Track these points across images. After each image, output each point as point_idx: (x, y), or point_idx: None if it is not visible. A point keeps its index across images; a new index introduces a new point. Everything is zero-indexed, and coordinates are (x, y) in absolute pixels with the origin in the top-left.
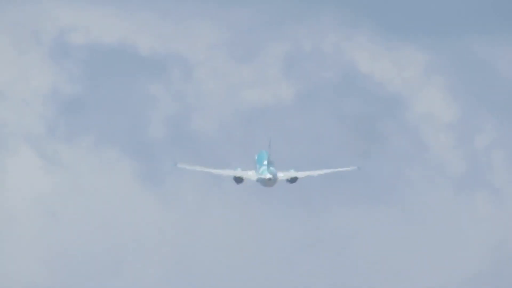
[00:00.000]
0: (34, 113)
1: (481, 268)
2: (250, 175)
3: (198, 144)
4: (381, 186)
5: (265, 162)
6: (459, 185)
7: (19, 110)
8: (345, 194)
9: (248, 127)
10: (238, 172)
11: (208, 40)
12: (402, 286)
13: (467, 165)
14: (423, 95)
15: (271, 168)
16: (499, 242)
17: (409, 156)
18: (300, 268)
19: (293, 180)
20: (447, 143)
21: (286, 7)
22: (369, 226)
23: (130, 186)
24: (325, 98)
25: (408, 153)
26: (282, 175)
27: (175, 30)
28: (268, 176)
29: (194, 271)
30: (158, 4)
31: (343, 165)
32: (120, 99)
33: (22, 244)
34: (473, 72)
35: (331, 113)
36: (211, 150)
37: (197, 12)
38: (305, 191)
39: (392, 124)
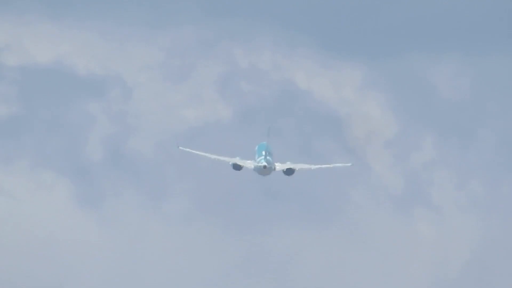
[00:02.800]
0: None
1: (423, 285)
2: (248, 163)
3: (136, 164)
4: (322, 206)
5: (264, 152)
6: (398, 203)
7: None
8: (286, 215)
9: (187, 146)
10: (237, 160)
11: (145, 61)
12: None
13: (406, 182)
14: (362, 112)
15: (268, 157)
16: (438, 260)
17: (349, 174)
18: None
19: (289, 172)
20: (386, 160)
21: (223, 26)
22: (311, 246)
23: (67, 208)
24: (262, 116)
25: (348, 171)
26: (279, 166)
27: (112, 51)
28: (263, 164)
29: None
30: (94, 25)
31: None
32: (57, 121)
33: None
34: (410, 90)
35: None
36: (150, 170)
37: (134, 33)
38: (244, 213)
39: (331, 142)
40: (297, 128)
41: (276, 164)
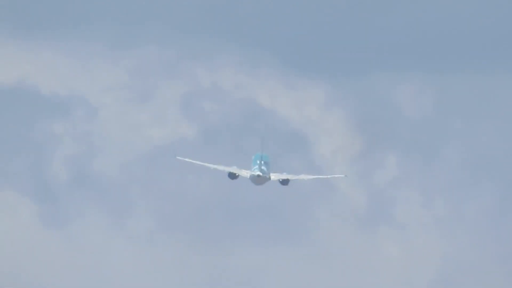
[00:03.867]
0: None
1: None
2: (244, 173)
3: (100, 184)
4: (288, 224)
5: (259, 162)
6: (362, 221)
7: None
8: (251, 233)
9: (151, 167)
10: (233, 169)
11: (108, 81)
12: None
13: (370, 200)
14: (324, 131)
15: (263, 167)
16: (402, 278)
17: (313, 193)
18: None
19: (284, 182)
20: (349, 178)
21: (186, 46)
22: (275, 265)
23: (31, 229)
24: (226, 135)
25: (312, 189)
26: (275, 176)
27: (76, 71)
28: (257, 173)
29: None
30: (58, 45)
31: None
32: (20, 141)
33: None
34: (373, 108)
35: (235, 149)
36: (114, 190)
37: (98, 53)
38: (212, 230)
39: (295, 161)
40: (260, 146)
41: (272, 174)
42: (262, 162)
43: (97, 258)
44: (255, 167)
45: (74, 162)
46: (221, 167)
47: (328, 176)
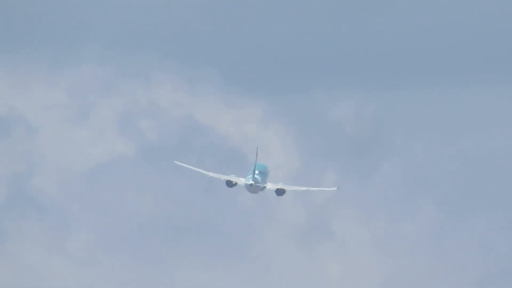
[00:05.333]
0: None
1: None
2: (241, 181)
3: (39, 203)
4: (227, 242)
5: (257, 171)
6: (301, 237)
7: None
8: (192, 250)
9: (90, 185)
10: (231, 177)
11: (46, 100)
12: None
13: (309, 217)
14: (264, 148)
15: (256, 176)
16: None
17: (255, 208)
18: None
19: (279, 192)
20: (288, 195)
21: (123, 64)
22: (217, 282)
23: None
24: (166, 152)
25: (251, 205)
26: (270, 186)
27: (13, 90)
28: (250, 181)
29: None
30: None
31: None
32: None
33: None
34: (312, 125)
35: (174, 166)
36: (53, 208)
37: (35, 72)
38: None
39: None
40: (199, 164)
41: (268, 183)
42: (257, 171)
43: (36, 277)
44: (249, 176)
45: (12, 181)
46: (219, 175)
47: (321, 189)
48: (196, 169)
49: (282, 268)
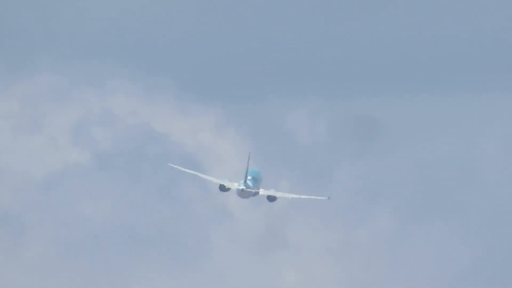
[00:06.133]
0: None
1: None
2: (234, 186)
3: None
4: (185, 250)
5: (249, 177)
6: (256, 246)
7: None
8: (148, 259)
9: (45, 193)
10: (225, 182)
11: (0, 109)
12: None
13: (264, 225)
14: (218, 156)
15: (248, 182)
16: None
17: (210, 217)
18: None
19: (270, 198)
20: (243, 203)
21: (77, 72)
22: None
23: None
24: (120, 160)
25: (207, 214)
26: (263, 192)
27: None
28: (241, 187)
29: None
30: None
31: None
32: None
33: None
34: (267, 133)
35: (129, 174)
36: (9, 217)
37: None
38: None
39: (190, 186)
40: (155, 171)
41: (261, 189)
42: (250, 177)
43: None
44: (241, 181)
45: None
46: (213, 179)
47: (311, 197)
48: (191, 172)
49: (238, 276)
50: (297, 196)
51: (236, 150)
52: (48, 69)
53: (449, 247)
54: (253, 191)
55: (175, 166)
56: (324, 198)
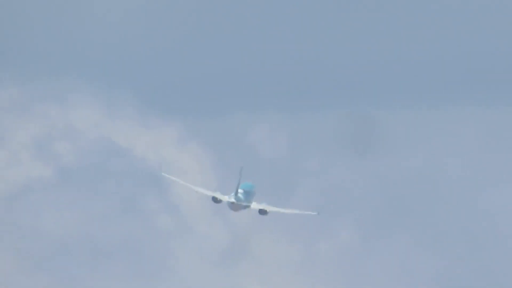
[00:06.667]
0: None
1: None
2: (225, 198)
3: None
4: (148, 263)
5: (240, 190)
6: (219, 258)
7: None
8: (112, 272)
9: (6, 209)
10: (217, 194)
11: None
12: None
13: (227, 238)
14: (181, 170)
15: (239, 195)
16: None
17: (171, 230)
18: None
19: (262, 212)
20: (201, 216)
21: (38, 87)
22: None
23: None
24: (82, 175)
25: (170, 226)
26: (254, 205)
27: None
28: (232, 200)
29: None
30: None
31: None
32: None
33: None
34: (228, 147)
35: (92, 189)
36: None
37: None
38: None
39: (152, 200)
40: (118, 186)
41: (254, 203)
42: (242, 190)
43: None
44: (232, 194)
45: None
46: (205, 191)
47: (301, 212)
48: (184, 183)
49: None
50: (288, 211)
51: (198, 164)
52: (9, 82)
53: (413, 260)
54: (244, 204)
55: (168, 176)
56: (313, 213)
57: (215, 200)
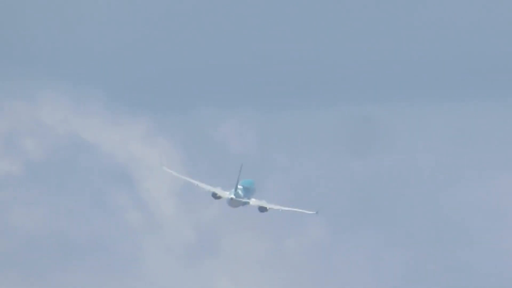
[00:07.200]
0: None
1: None
2: (225, 194)
3: None
4: (116, 259)
5: (240, 187)
6: (188, 254)
7: None
8: (78, 267)
9: None
10: (217, 190)
11: None
12: None
13: (196, 234)
14: (149, 166)
15: (238, 191)
16: None
17: (139, 226)
18: None
19: (262, 209)
20: (174, 212)
21: (5, 83)
22: None
23: None
24: (51, 171)
25: (138, 223)
26: (253, 202)
27: None
28: (231, 196)
29: None
30: None
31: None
32: None
33: None
34: (197, 144)
35: (61, 185)
36: None
37: None
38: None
39: (121, 196)
40: (87, 182)
41: (253, 199)
42: (241, 187)
43: None
44: (232, 190)
45: None
46: (206, 186)
47: (302, 210)
48: (184, 178)
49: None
50: (288, 208)
51: (167, 160)
52: None
53: (383, 257)
54: (243, 200)
55: (170, 171)
56: (312, 212)
57: (215, 196)
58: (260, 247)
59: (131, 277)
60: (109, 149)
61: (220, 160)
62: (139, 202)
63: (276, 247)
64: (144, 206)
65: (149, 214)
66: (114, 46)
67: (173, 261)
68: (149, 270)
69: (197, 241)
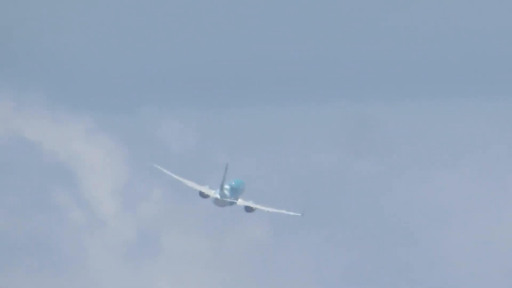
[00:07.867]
0: None
1: None
2: (212, 193)
3: None
4: (57, 258)
5: (227, 187)
6: (129, 253)
7: None
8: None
9: None
10: (204, 189)
11: None
12: None
13: (136, 231)
14: (91, 163)
15: (225, 191)
16: None
17: (81, 225)
18: None
19: (248, 209)
20: (116, 210)
21: None
22: None
23: None
24: None
25: (80, 221)
26: (240, 202)
27: None
28: (217, 195)
29: None
30: None
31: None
32: None
33: None
34: (139, 141)
35: (2, 185)
36: None
37: None
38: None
39: (65, 195)
40: (28, 181)
41: (240, 199)
42: (228, 186)
43: None
44: (217, 190)
45: None
46: (194, 185)
47: (287, 212)
48: (174, 176)
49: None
50: (273, 210)
51: (109, 159)
52: None
53: (326, 257)
54: (229, 200)
55: (160, 168)
56: (298, 214)
57: (202, 195)
58: (205, 245)
59: (69, 275)
60: (50, 147)
61: (161, 157)
62: (81, 200)
63: (224, 245)
64: (86, 204)
65: (90, 212)
66: (56, 45)
67: (113, 260)
68: (90, 269)
69: (138, 239)
